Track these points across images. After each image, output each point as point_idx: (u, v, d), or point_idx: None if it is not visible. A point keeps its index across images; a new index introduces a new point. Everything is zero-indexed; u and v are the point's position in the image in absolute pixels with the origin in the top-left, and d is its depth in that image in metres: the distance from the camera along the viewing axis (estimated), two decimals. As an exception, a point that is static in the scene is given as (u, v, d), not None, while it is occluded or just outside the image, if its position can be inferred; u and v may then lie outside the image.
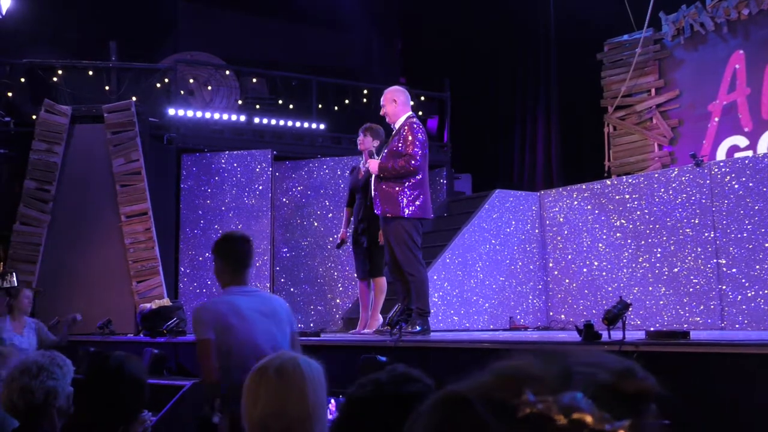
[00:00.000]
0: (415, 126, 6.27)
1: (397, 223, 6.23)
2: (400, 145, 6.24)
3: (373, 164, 6.39)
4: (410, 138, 6.19)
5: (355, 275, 7.69)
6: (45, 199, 9.49)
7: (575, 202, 9.19)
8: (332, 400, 2.85)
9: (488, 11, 12.68)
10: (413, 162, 6.15)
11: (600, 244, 8.85)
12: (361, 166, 7.27)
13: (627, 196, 8.65)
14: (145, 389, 3.02)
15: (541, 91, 12.58)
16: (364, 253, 7.23)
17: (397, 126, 6.37)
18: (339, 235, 7.72)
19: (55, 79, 10.30)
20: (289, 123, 11.13)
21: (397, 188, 6.22)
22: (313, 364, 2.24)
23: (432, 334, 6.44)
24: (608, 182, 9.10)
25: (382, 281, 7.20)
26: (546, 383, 0.62)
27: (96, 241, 9.50)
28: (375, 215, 6.63)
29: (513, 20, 12.74)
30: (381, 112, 6.51)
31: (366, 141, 7.08)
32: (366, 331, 7.11)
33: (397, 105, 6.37)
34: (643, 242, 8.41)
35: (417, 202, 6.25)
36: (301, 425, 2.14)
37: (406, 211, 6.20)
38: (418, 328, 6.02)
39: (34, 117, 9.73)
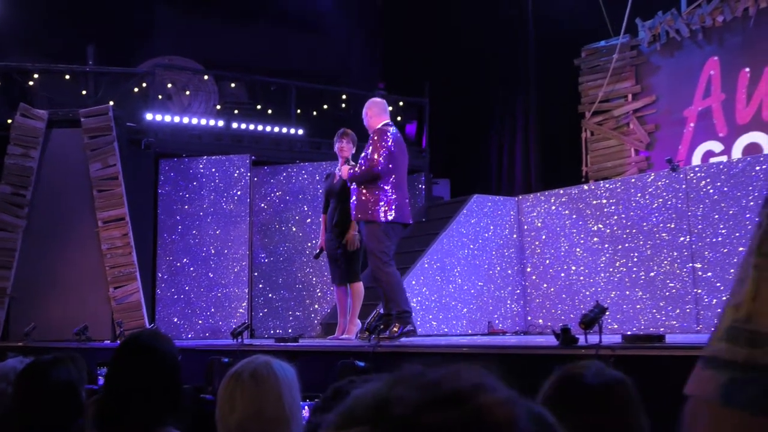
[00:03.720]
0: (383, 130, 6.52)
1: (366, 228, 6.44)
2: (366, 151, 6.51)
3: (345, 169, 6.66)
4: (374, 144, 6.45)
5: (332, 282, 7.68)
6: (20, 204, 9.41)
7: (553, 207, 9.24)
8: (306, 407, 2.84)
9: (467, 17, 12.72)
10: (375, 168, 6.38)
11: (577, 249, 8.90)
12: (336, 171, 7.32)
13: (604, 201, 8.70)
14: (77, 396, 2.86)
15: (520, 97, 12.64)
16: (340, 258, 7.23)
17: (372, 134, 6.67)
18: (318, 244, 7.68)
19: (31, 83, 10.22)
20: (268, 128, 11.12)
21: (369, 194, 6.43)
22: (285, 366, 2.26)
23: (411, 338, 6.43)
24: (585, 187, 9.14)
25: (359, 286, 7.20)
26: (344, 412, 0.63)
27: (72, 247, 9.43)
28: (349, 220, 6.80)
29: (492, 26, 12.80)
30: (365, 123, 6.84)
31: (347, 147, 7.15)
32: (344, 336, 7.10)
33: (370, 117, 6.67)
34: (620, 247, 8.47)
35: (391, 207, 6.41)
36: (279, 427, 2.15)
37: (380, 217, 6.38)
38: (399, 330, 6.09)
39: (9, 121, 9.66)
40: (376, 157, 6.37)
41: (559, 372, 1.88)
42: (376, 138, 6.48)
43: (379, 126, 6.58)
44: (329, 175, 7.64)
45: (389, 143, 6.48)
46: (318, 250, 7.59)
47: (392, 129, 6.60)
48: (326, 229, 7.41)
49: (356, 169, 6.51)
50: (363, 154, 6.62)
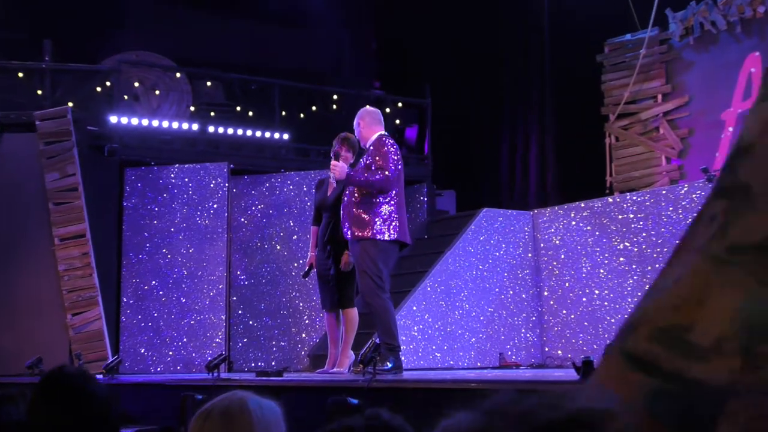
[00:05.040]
0: (384, 140, 6.66)
1: (361, 246, 6.49)
2: (369, 161, 6.59)
3: (341, 168, 6.57)
4: (381, 153, 6.54)
5: (321, 307, 7.64)
6: (-34, 220, 9.39)
7: (573, 223, 9.23)
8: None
9: (474, 8, 12.75)
10: (389, 177, 6.46)
11: (601, 270, 8.88)
12: (331, 180, 7.26)
13: (631, 216, 8.70)
14: None
15: (534, 98, 12.65)
16: (332, 280, 7.19)
17: (368, 145, 6.77)
18: (307, 260, 7.64)
19: (-21, 81, 10.21)
20: (249, 132, 11.09)
21: (365, 209, 6.51)
22: (265, 404, 2.23)
23: (412, 372, 6.44)
24: (610, 200, 9.14)
25: (353, 313, 7.16)
26: None
27: (25, 267, 9.38)
28: (344, 237, 6.80)
29: (502, 18, 12.83)
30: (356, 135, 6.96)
31: (347, 155, 7.11)
32: (336, 369, 7.07)
33: (363, 127, 6.81)
34: (649, 268, 8.45)
35: (391, 224, 6.51)
36: None
37: (378, 235, 6.45)
38: (388, 365, 6.12)
39: (-46, 125, 9.64)
40: (388, 165, 6.47)
41: None
42: (378, 148, 6.58)
43: (375, 137, 6.71)
44: (322, 182, 7.54)
45: (396, 152, 6.63)
46: (306, 268, 7.53)
47: (392, 140, 6.76)
48: (316, 244, 7.38)
49: (360, 173, 6.54)
50: (359, 167, 6.69)
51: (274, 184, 10.40)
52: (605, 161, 11.54)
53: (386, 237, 6.45)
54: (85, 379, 2.66)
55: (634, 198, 8.84)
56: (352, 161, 7.13)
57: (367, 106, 7.26)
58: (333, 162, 6.71)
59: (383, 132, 6.82)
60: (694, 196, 8.21)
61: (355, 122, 6.89)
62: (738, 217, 0.73)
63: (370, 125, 6.80)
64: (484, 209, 9.49)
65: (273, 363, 9.84)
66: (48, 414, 2.36)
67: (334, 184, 7.14)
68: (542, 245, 9.49)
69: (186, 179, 10.04)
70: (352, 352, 7.10)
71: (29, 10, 11.61)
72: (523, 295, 9.40)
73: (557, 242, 9.34)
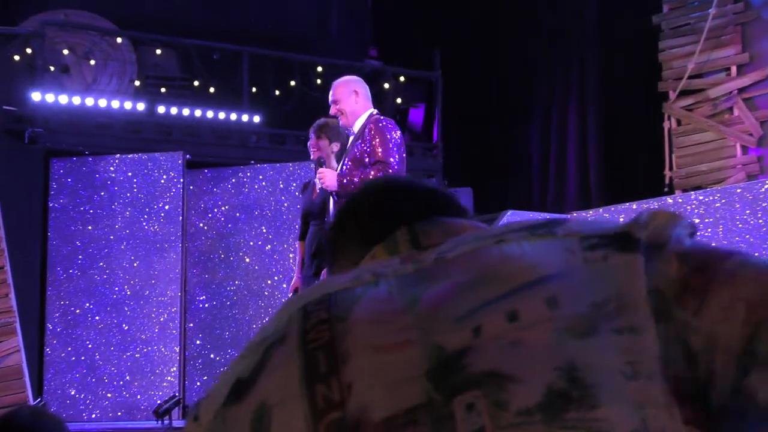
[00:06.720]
0: (384, 123, 6.56)
1: None
2: (366, 149, 6.47)
3: (330, 176, 6.52)
4: (379, 139, 6.43)
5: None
6: None
7: (623, 229, 9.19)
8: None
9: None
10: (389, 171, 6.35)
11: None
12: (316, 181, 7.23)
13: (697, 220, 8.66)
14: None
15: (574, 71, 12.64)
16: None
17: (355, 128, 6.63)
18: (291, 285, 7.63)
19: None
20: (209, 114, 11.08)
21: None
22: None
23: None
24: (670, 200, 9.10)
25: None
26: None
27: (-77, 286, 9.37)
28: None
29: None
30: (332, 111, 6.76)
31: (321, 144, 7.12)
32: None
33: (359, 98, 6.68)
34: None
35: None
36: None
37: None
38: None
39: None
40: (390, 156, 6.37)
41: None
42: (377, 131, 6.47)
43: (368, 116, 6.62)
44: (307, 185, 7.59)
45: (399, 137, 6.57)
46: (291, 293, 7.52)
47: (392, 122, 6.72)
48: (303, 261, 7.38)
49: (353, 176, 6.43)
50: (351, 157, 6.58)
51: (242, 180, 10.38)
52: (663, 151, 11.50)
53: None
54: (46, 422, 2.63)
55: (701, 198, 8.80)
56: (338, 150, 7.11)
57: (353, 76, 7.16)
58: (319, 170, 6.64)
59: (375, 110, 6.75)
60: (777, 194, 8.18)
61: (339, 93, 6.69)
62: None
63: (367, 97, 6.73)
64: (509, 212, 9.47)
65: (240, 408, 9.81)
66: None
67: (318, 187, 7.10)
68: (584, 258, 9.46)
69: (129, 173, 10.02)
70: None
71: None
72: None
73: (603, 254, 9.31)
